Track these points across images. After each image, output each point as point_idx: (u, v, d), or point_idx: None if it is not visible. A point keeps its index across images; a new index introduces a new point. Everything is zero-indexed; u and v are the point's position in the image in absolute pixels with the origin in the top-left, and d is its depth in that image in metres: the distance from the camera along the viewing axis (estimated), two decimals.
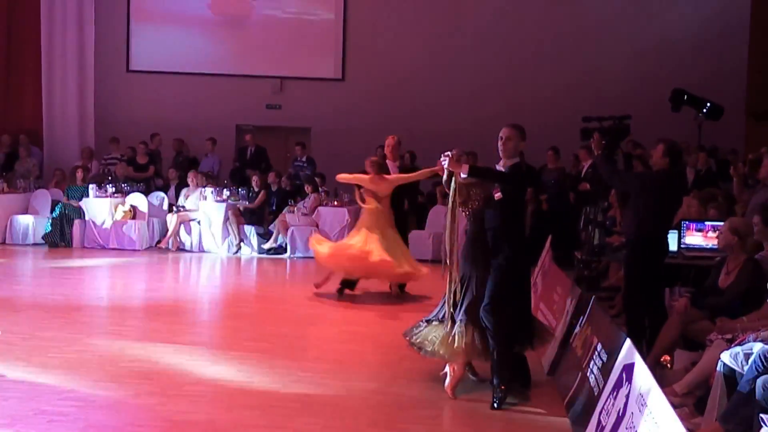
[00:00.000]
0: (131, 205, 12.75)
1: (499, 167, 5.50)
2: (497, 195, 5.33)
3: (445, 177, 5.53)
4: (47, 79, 15.32)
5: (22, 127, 15.12)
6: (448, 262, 5.59)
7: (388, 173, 9.01)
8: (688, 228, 7.34)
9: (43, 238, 12.53)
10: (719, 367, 4.41)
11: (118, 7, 15.81)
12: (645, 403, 3.62)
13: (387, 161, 9.33)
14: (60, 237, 12.47)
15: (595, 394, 4.64)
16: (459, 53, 15.46)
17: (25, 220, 12.70)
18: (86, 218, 12.58)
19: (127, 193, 12.94)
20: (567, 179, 12.51)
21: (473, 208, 5.62)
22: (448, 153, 5.35)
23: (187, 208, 12.75)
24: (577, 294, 6.41)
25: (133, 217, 12.64)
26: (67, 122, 15.49)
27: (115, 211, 12.64)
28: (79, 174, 13.13)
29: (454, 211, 5.54)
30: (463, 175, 5.33)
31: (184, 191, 13.05)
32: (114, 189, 12.75)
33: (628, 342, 4.39)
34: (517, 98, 14.77)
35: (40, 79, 15.31)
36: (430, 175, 8.73)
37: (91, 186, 12.73)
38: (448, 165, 5.32)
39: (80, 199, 12.66)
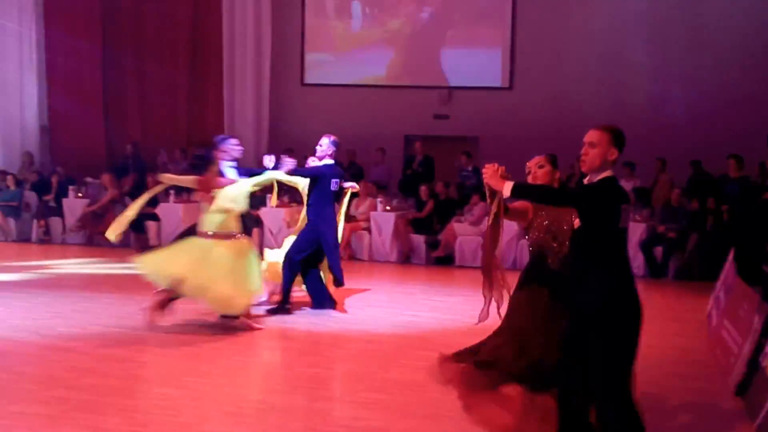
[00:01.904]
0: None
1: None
2: (576, 222, 3.97)
3: (487, 193, 4.30)
4: (228, 92, 16.08)
5: (206, 137, 15.95)
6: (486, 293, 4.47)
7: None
8: None
9: None
10: None
11: (294, 22, 16.39)
12: None
13: None
14: None
15: None
16: (632, 54, 14.94)
17: None
18: (263, 226, 13.14)
19: (300, 203, 13.37)
20: (752, 188, 11.84)
21: (535, 239, 4.63)
22: (491, 166, 4.12)
23: (358, 217, 13.04)
24: (766, 310, 6.03)
25: None
26: (245, 133, 16.19)
27: (290, 219, 13.10)
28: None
29: (496, 233, 4.44)
30: (506, 195, 4.03)
31: (354, 201, 13.35)
32: (289, 198, 13.21)
33: None
34: (700, 103, 14.10)
35: (222, 92, 16.11)
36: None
37: (268, 195, 13.25)
38: (487, 179, 4.09)
39: (258, 208, 13.21)
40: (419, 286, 10.84)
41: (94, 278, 10.76)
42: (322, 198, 8.45)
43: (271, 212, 13.11)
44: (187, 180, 7.99)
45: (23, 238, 14.47)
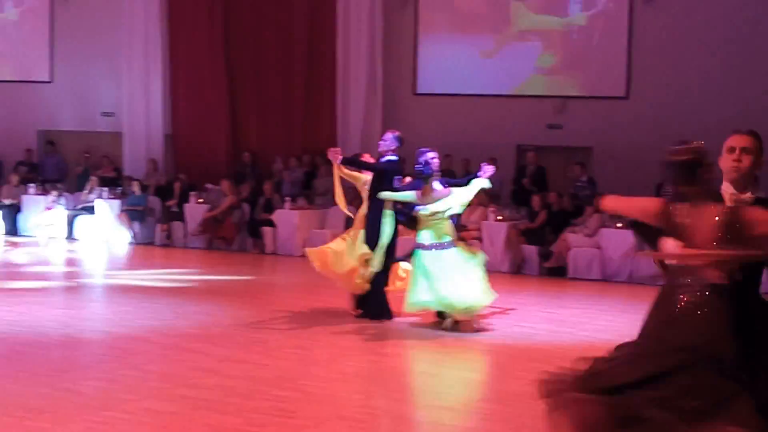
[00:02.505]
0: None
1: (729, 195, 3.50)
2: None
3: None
4: (342, 102, 16.34)
5: (320, 146, 16.26)
6: None
7: None
8: None
9: None
10: None
11: (406, 32, 16.54)
12: None
13: None
14: None
15: None
16: (755, 64, 14.40)
17: (322, 236, 13.68)
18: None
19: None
20: None
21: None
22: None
23: (469, 227, 13.05)
24: None
25: None
26: (356, 143, 16.38)
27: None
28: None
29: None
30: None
31: (466, 210, 13.35)
32: None
33: None
34: None
35: (335, 102, 16.39)
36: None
37: None
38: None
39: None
40: (532, 297, 10.77)
41: (213, 283, 11.15)
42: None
43: None
44: (407, 195, 8.19)
45: (147, 241, 15.13)
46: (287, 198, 14.57)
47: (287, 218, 14.06)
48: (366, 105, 16.26)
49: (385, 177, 8.35)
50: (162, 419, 5.19)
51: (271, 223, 14.21)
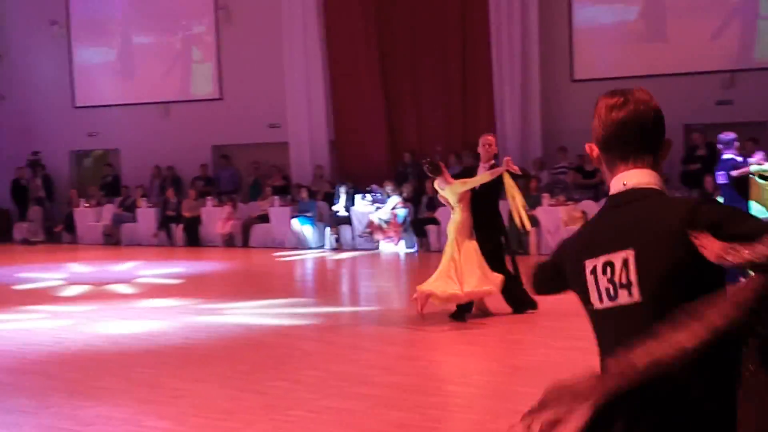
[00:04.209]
0: (582, 211, 13.08)
1: None
2: None
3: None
4: (498, 95, 16.26)
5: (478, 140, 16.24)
6: None
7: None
8: None
9: None
10: None
11: (560, 17, 16.25)
12: None
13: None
14: (518, 245, 13.23)
15: None
16: None
17: None
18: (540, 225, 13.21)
19: (578, 201, 13.29)
20: None
21: None
22: None
23: None
24: None
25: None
26: (515, 134, 16.24)
27: (567, 218, 13.06)
28: (533, 184, 13.82)
29: None
30: None
31: None
32: (565, 197, 13.17)
33: None
34: None
35: (492, 96, 16.33)
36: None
37: (543, 195, 13.31)
38: None
39: (534, 208, 13.30)
40: None
41: (382, 285, 11.42)
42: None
43: (548, 211, 13.13)
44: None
45: (318, 246, 15.69)
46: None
47: (450, 215, 14.17)
48: (523, 95, 16.09)
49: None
50: (344, 417, 5.40)
51: (435, 221, 14.37)
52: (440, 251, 14.15)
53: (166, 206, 17.49)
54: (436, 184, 8.25)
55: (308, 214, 15.86)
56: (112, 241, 17.68)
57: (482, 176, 8.09)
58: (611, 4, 15.83)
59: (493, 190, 8.25)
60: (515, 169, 8.11)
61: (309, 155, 17.58)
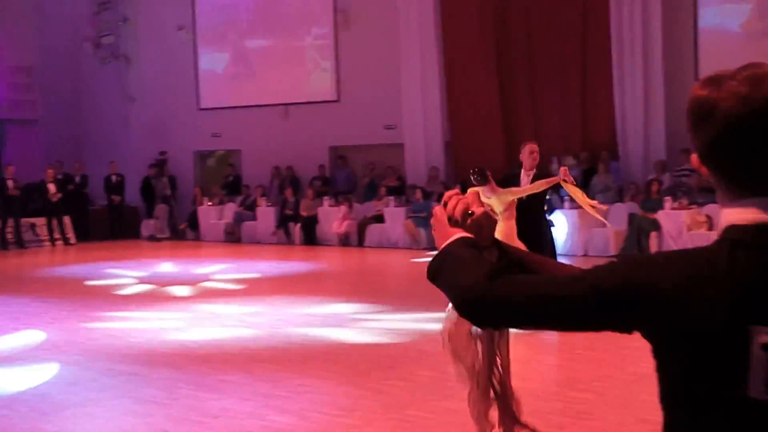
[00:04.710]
0: (707, 216, 12.63)
1: None
2: None
3: None
4: (619, 98, 15.89)
5: (599, 141, 15.92)
6: None
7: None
8: None
9: (621, 250, 13.13)
10: None
11: (685, 18, 15.74)
12: None
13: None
14: (637, 248, 12.91)
15: None
16: None
17: (603, 235, 13.44)
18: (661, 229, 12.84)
19: (701, 205, 12.85)
20: None
21: None
22: None
23: None
24: None
25: (709, 229, 12.49)
26: (637, 138, 15.82)
27: (691, 222, 12.64)
28: (654, 187, 13.44)
29: None
30: None
31: None
32: (688, 200, 12.75)
33: None
34: None
35: (612, 98, 15.96)
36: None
37: (665, 198, 12.94)
38: None
39: (655, 212, 12.94)
40: None
41: None
42: None
43: (670, 215, 12.74)
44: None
45: (432, 246, 15.71)
46: (566, 197, 14.43)
47: (567, 218, 13.96)
48: (645, 97, 15.67)
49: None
50: (462, 419, 5.39)
51: (551, 223, 14.16)
52: (557, 254, 14.01)
53: (284, 205, 17.91)
54: (482, 193, 8.17)
55: (422, 215, 15.92)
56: (233, 238, 18.23)
57: (536, 185, 8.02)
58: (737, 3, 15.21)
59: (536, 199, 8.19)
60: (571, 180, 8.00)
61: (424, 156, 17.64)
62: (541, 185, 7.98)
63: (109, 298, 10.87)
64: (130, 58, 21.11)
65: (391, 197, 16.56)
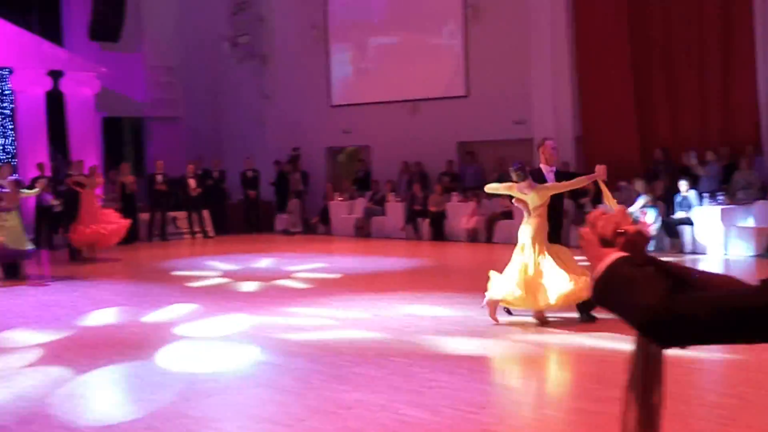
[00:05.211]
0: None
1: None
2: None
3: None
4: (764, 90, 15.17)
5: (741, 136, 15.22)
6: None
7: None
8: None
9: (765, 250, 12.56)
10: None
11: None
12: None
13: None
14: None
15: None
16: None
17: (747, 233, 12.87)
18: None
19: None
20: None
21: None
22: None
23: None
24: None
25: None
26: None
27: None
28: None
29: None
30: None
31: None
32: None
33: None
34: None
35: (756, 91, 15.25)
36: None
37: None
38: None
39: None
40: None
41: None
42: None
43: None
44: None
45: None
46: (705, 194, 13.92)
47: (707, 215, 13.44)
48: None
49: None
50: (594, 419, 5.32)
51: (689, 222, 13.69)
52: (694, 253, 13.54)
53: (413, 201, 18.03)
54: (518, 189, 8.23)
55: None
56: (363, 233, 18.52)
57: (577, 181, 8.39)
58: None
59: (558, 197, 8.49)
60: (605, 178, 8.38)
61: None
62: (582, 181, 8.36)
63: (241, 291, 11.27)
64: (266, 57, 21.76)
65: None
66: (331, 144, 21.48)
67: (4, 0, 18.82)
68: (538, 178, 8.46)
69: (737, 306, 1.45)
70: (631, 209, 14.29)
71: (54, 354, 7.59)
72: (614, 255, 1.58)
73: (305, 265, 13.57)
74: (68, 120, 19.56)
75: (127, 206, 17.31)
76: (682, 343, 1.54)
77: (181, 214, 19.23)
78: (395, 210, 18.23)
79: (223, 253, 15.79)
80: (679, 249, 13.77)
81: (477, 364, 6.90)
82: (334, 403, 5.77)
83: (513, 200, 8.56)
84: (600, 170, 8.32)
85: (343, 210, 19.26)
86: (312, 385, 6.26)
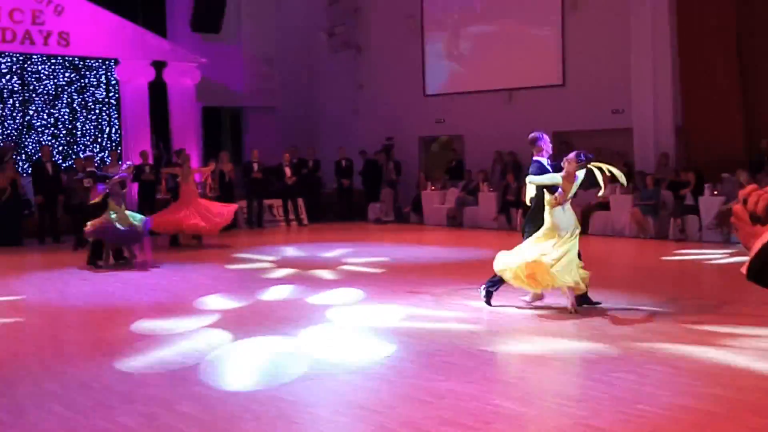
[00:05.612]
0: None
1: None
2: None
3: None
4: None
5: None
6: None
7: None
8: None
9: None
10: None
11: None
12: None
13: None
14: None
15: None
16: None
17: None
18: None
19: None
20: None
21: None
22: None
23: None
24: None
25: None
26: None
27: None
28: None
29: None
30: None
31: None
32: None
33: None
34: None
35: None
36: None
37: None
38: None
39: None
40: None
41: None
42: None
43: None
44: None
45: (661, 236, 15.07)
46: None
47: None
48: None
49: None
50: (698, 418, 5.17)
51: None
52: None
53: (506, 191, 17.87)
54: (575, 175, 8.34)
55: (651, 203, 15.30)
56: (455, 223, 18.47)
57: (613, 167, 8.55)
58: None
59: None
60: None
61: (653, 142, 16.94)
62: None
63: (330, 278, 11.41)
64: (361, 47, 21.90)
65: (617, 184, 16.00)
66: (424, 133, 21.47)
67: None
68: (558, 169, 8.63)
69: None
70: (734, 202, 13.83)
71: (226, 321, 8.34)
72: None
73: (396, 254, 13.62)
74: (170, 109, 20.15)
75: (226, 194, 17.72)
76: None
77: (276, 202, 19.58)
78: (488, 200, 18.11)
79: (350, 241, 15.87)
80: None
81: (570, 358, 6.80)
82: (425, 391, 5.78)
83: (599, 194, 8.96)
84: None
85: (436, 199, 19.24)
86: (404, 374, 6.29)
